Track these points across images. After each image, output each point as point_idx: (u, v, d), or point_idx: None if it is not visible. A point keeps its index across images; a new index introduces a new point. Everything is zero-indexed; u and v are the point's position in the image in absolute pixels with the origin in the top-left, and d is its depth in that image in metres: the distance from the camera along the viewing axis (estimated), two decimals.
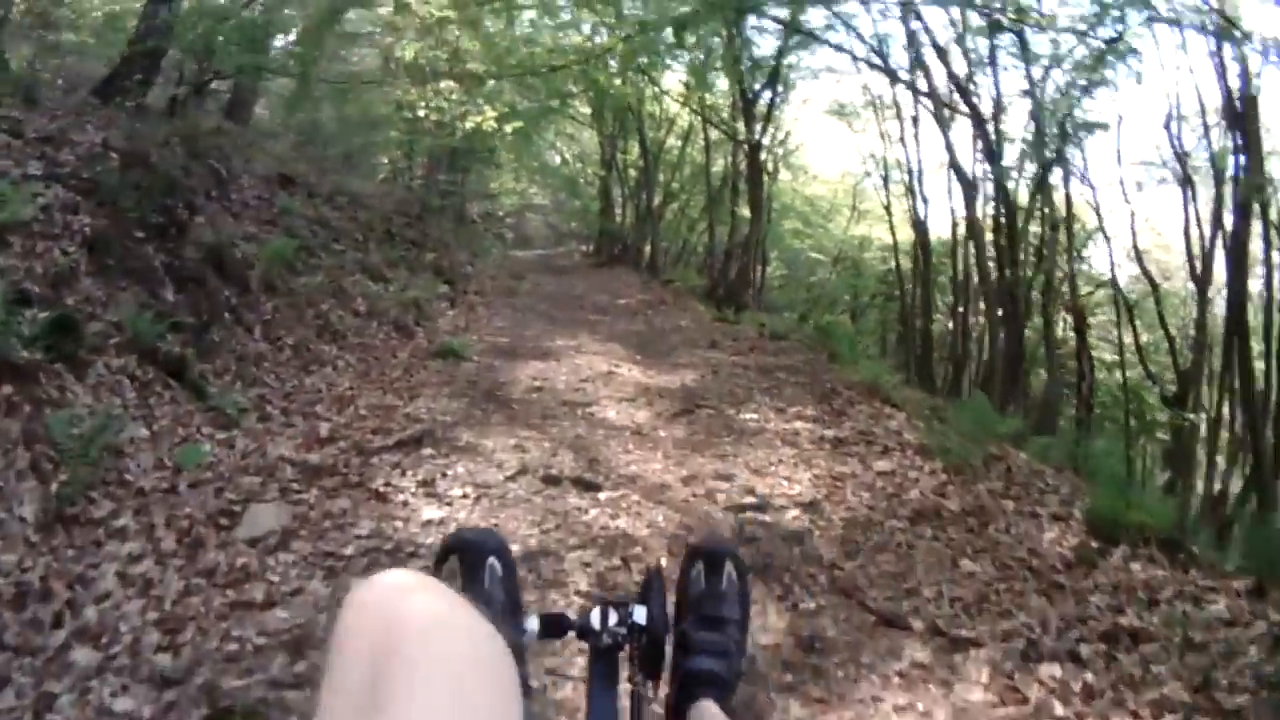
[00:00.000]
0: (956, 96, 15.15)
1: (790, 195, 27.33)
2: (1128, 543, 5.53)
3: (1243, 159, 13.34)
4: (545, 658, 3.76)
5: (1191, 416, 15.27)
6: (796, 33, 17.36)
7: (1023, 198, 15.67)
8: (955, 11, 14.32)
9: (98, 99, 10.83)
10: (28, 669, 3.63)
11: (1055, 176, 16.35)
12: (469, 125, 17.44)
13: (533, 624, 1.54)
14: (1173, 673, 4.16)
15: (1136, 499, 6.13)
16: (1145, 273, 17.32)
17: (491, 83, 19.04)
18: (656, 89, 22.98)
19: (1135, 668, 4.21)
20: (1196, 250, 15.58)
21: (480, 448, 6.86)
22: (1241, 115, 12.75)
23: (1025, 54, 14.05)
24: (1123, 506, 5.74)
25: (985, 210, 15.89)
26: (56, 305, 6.20)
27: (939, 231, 20.94)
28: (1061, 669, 4.16)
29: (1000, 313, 14.49)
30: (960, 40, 14.96)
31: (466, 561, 1.59)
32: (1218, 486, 14.42)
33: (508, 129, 18.67)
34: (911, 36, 15.96)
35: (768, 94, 19.78)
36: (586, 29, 20.25)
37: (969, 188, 14.97)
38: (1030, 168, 15.85)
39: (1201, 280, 15.47)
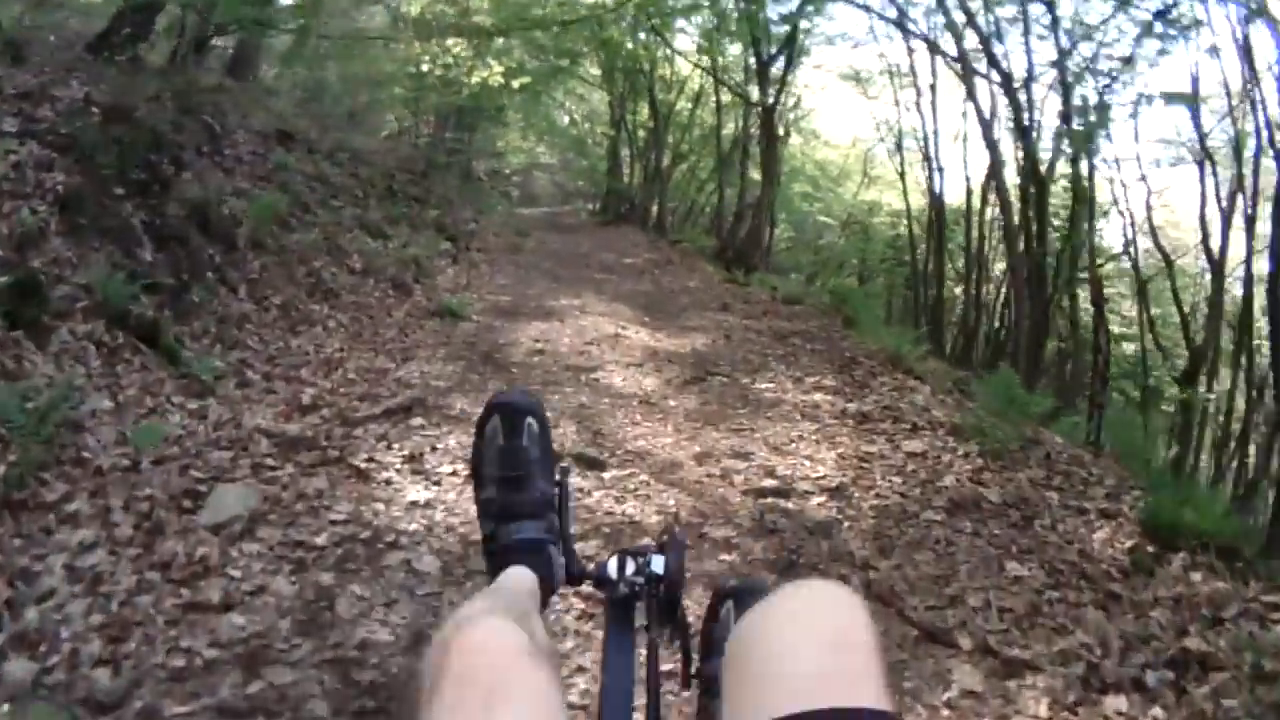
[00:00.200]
0: (985, 63, 14.33)
1: (800, 159, 26.85)
2: (1186, 548, 4.87)
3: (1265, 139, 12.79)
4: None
5: (1209, 396, 14.85)
6: None
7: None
8: None
9: (92, 55, 10.18)
10: None
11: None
12: (475, 81, 16.80)
13: (559, 475, 1.70)
14: (1244, 708, 3.53)
15: (1191, 497, 5.47)
16: (1160, 249, 16.83)
17: (500, 40, 18.42)
18: (669, 50, 22.35)
19: (1206, 702, 3.56)
20: (1213, 229, 15.14)
21: (475, 417, 6.22)
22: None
23: (1055, 24, 13.28)
24: (1180, 508, 5.07)
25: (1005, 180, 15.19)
26: (20, 268, 5.56)
27: (951, 199, 20.52)
28: (1128, 701, 3.53)
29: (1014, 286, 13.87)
30: (989, 5, 14.16)
31: (508, 420, 1.67)
32: (1235, 468, 13.95)
33: (515, 84, 18.01)
34: None
35: (782, 59, 19.01)
36: None
37: (996, 156, 14.18)
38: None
39: (1217, 259, 15.01)
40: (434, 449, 5.53)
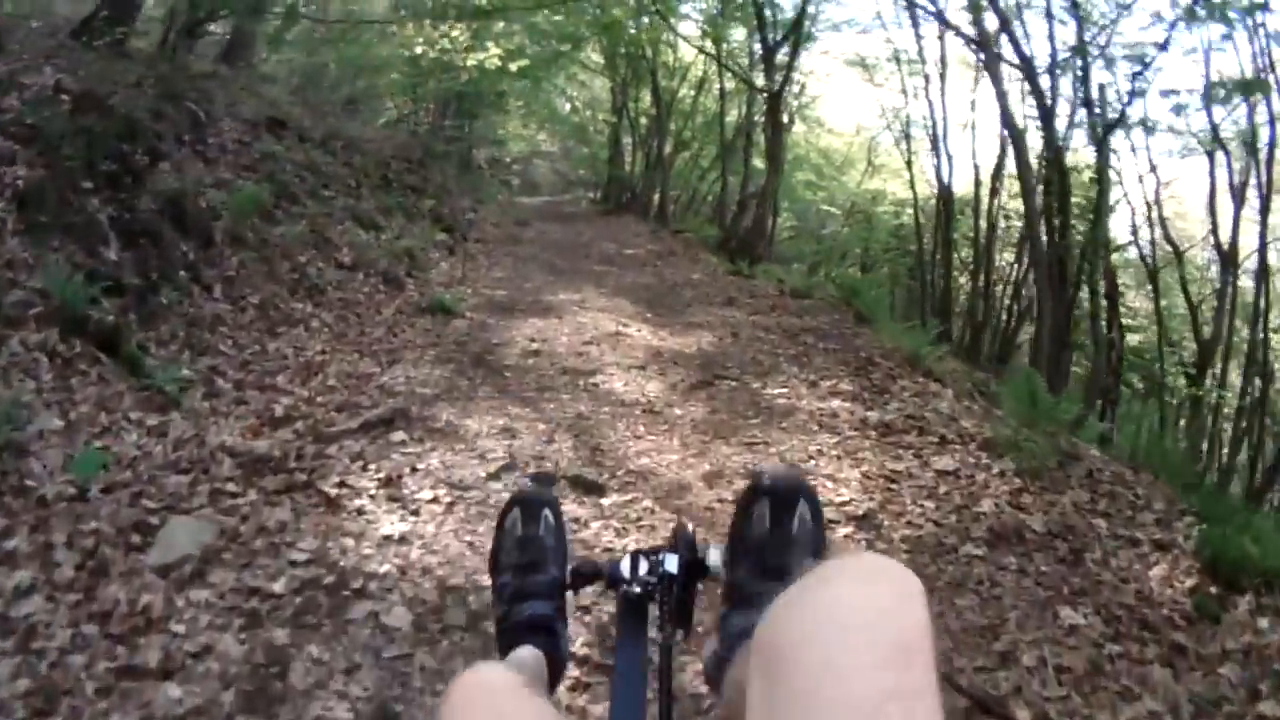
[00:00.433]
0: (1005, 46, 13.63)
1: (804, 147, 26.23)
2: (1250, 587, 4.28)
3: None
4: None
5: (1225, 393, 14.39)
6: None
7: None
8: None
9: (75, 42, 9.63)
10: None
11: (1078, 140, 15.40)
12: (472, 64, 16.21)
13: (574, 563, 1.61)
14: None
15: (1250, 525, 4.86)
16: (1170, 240, 16.37)
17: (500, 24, 17.89)
18: (672, 35, 21.64)
19: None
20: (1223, 221, 14.71)
21: (461, 431, 5.63)
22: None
23: (1076, 5, 12.63)
24: (1239, 540, 4.48)
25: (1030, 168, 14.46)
26: None
27: (958, 189, 19.94)
28: None
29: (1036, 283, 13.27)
30: None
31: (527, 512, 1.67)
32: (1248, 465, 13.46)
33: (513, 67, 17.39)
34: None
35: (788, 44, 18.33)
36: None
37: (1020, 144, 13.46)
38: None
39: (1227, 250, 14.42)
40: (414, 470, 4.94)
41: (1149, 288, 17.49)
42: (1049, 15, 13.43)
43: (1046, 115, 12.90)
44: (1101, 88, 13.12)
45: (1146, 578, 4.45)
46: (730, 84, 22.21)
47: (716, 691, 1.45)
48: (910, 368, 8.15)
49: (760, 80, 18.65)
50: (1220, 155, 14.66)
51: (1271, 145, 13.04)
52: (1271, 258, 14.44)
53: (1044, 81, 13.21)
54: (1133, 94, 12.89)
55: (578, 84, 28.66)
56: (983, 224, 19.11)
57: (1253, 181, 14.00)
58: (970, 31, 14.06)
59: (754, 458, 5.64)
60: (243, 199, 8.30)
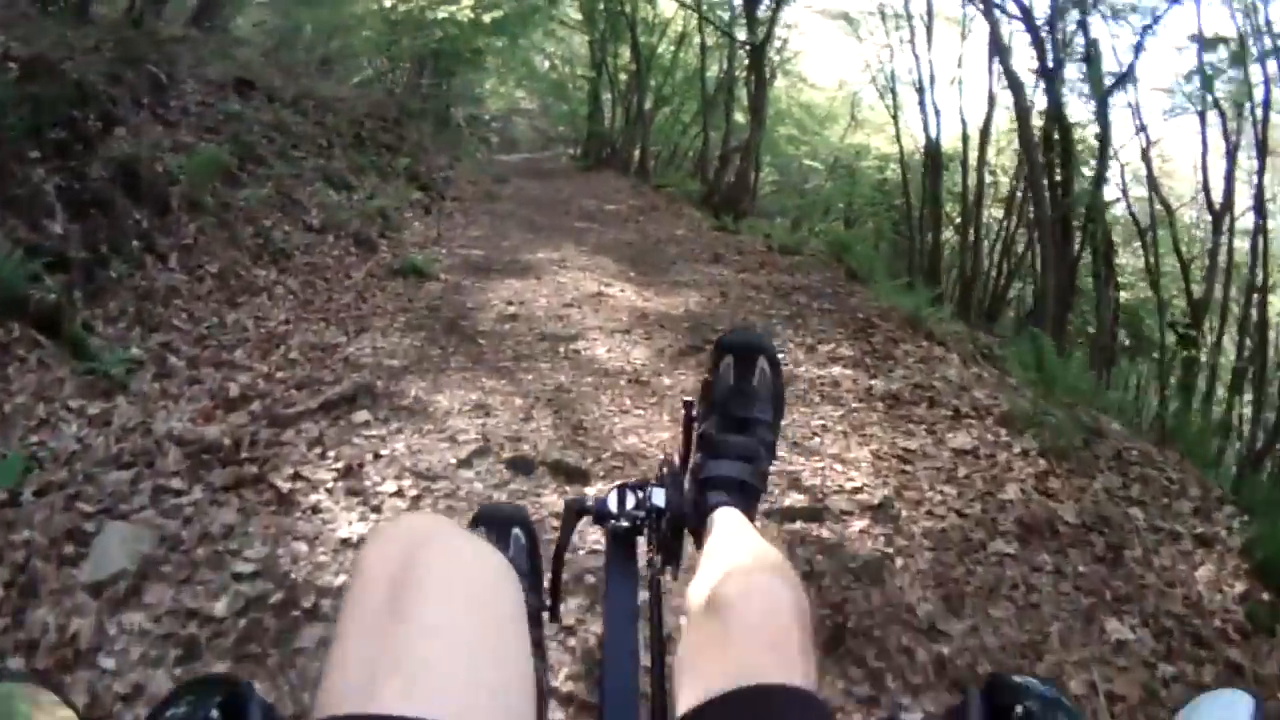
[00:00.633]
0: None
1: (786, 102, 25.95)
2: None
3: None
4: None
5: (1220, 356, 14.13)
6: None
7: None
8: None
9: (35, 8, 9.11)
10: None
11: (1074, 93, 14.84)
12: (442, 15, 15.65)
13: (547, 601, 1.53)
14: None
15: None
16: (1161, 199, 16.13)
17: None
18: None
19: None
20: (1215, 181, 14.55)
21: (431, 408, 5.09)
22: None
23: None
24: None
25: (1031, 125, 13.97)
26: None
27: (945, 145, 19.54)
28: None
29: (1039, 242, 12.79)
30: None
31: (493, 531, 1.55)
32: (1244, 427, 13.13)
33: (486, 19, 16.83)
34: None
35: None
36: None
37: (1020, 97, 12.84)
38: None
39: (1219, 210, 14.29)
40: (377, 457, 4.38)
41: (1135, 245, 17.35)
42: None
43: (1048, 69, 12.33)
44: (1095, 42, 12.62)
45: (1193, 580, 3.95)
46: (711, 39, 21.86)
47: (695, 536, 1.47)
48: (911, 330, 7.60)
49: (743, 34, 18.23)
50: (1220, 115, 14.22)
51: (1266, 104, 12.82)
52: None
53: (1045, 35, 12.69)
54: (1139, 49, 12.38)
55: (556, 40, 28.10)
56: (971, 180, 18.69)
57: (1243, 142, 13.77)
58: None
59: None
60: (202, 161, 7.71)
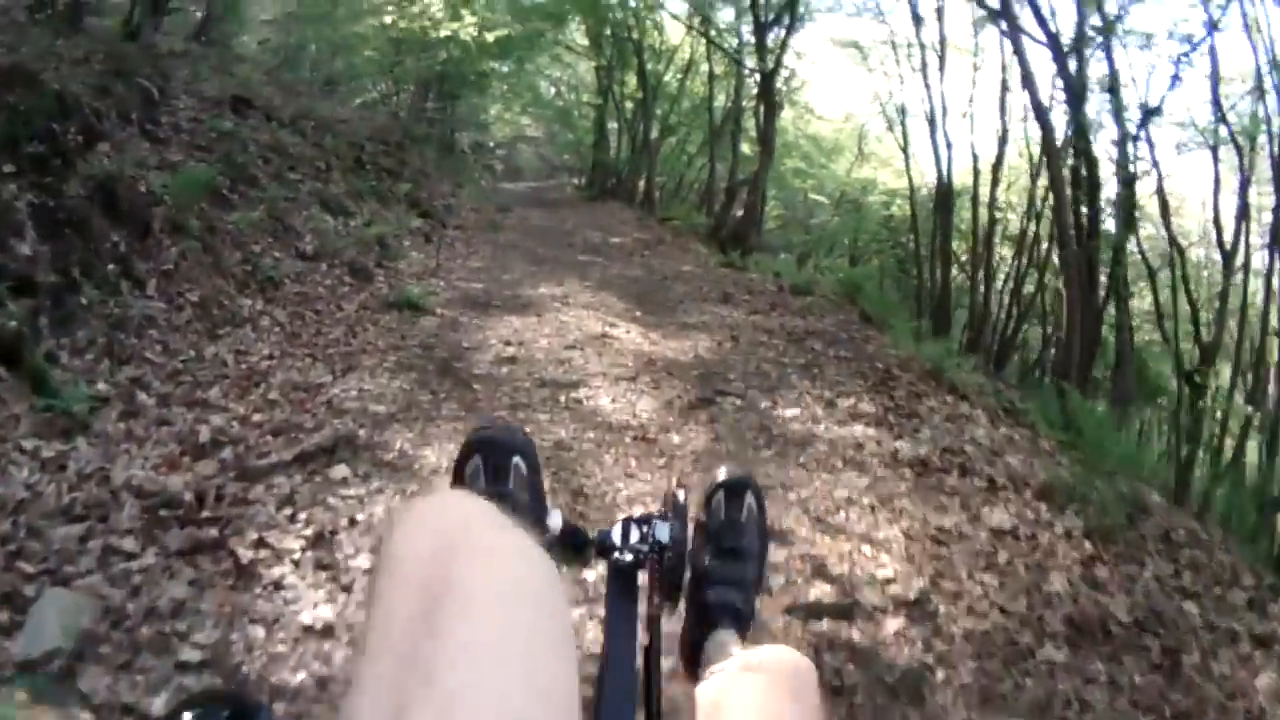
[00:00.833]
0: (1032, 21, 12.60)
1: (792, 133, 25.47)
2: None
3: None
4: None
5: (1249, 409, 13.73)
6: None
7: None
8: None
9: (27, 18, 8.77)
10: None
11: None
12: (446, 34, 15.40)
13: (555, 520, 1.46)
14: None
15: None
16: (1172, 238, 15.48)
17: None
18: (659, 14, 21.46)
19: None
20: (1227, 219, 14.20)
21: (417, 464, 4.68)
22: None
23: None
24: None
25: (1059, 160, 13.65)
26: None
27: (955, 180, 19.16)
28: None
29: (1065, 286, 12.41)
30: None
31: (491, 461, 1.50)
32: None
33: (490, 37, 16.61)
34: None
35: (781, 23, 17.78)
36: None
37: (1049, 131, 12.43)
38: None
39: (1229, 250, 13.92)
40: (353, 523, 3.96)
41: (1140, 284, 16.97)
42: None
43: (1075, 98, 11.91)
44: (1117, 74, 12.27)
45: (1254, 691, 3.52)
46: (719, 68, 21.72)
47: (689, 669, 1.49)
48: (934, 382, 7.18)
49: (751, 62, 18.10)
50: (1236, 150, 13.82)
51: None
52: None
53: (1072, 63, 12.33)
54: (1175, 79, 12.01)
55: (562, 65, 27.93)
56: (982, 217, 18.31)
57: (1254, 178, 13.54)
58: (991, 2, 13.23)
59: (770, 509, 4.66)
60: (188, 181, 7.33)
